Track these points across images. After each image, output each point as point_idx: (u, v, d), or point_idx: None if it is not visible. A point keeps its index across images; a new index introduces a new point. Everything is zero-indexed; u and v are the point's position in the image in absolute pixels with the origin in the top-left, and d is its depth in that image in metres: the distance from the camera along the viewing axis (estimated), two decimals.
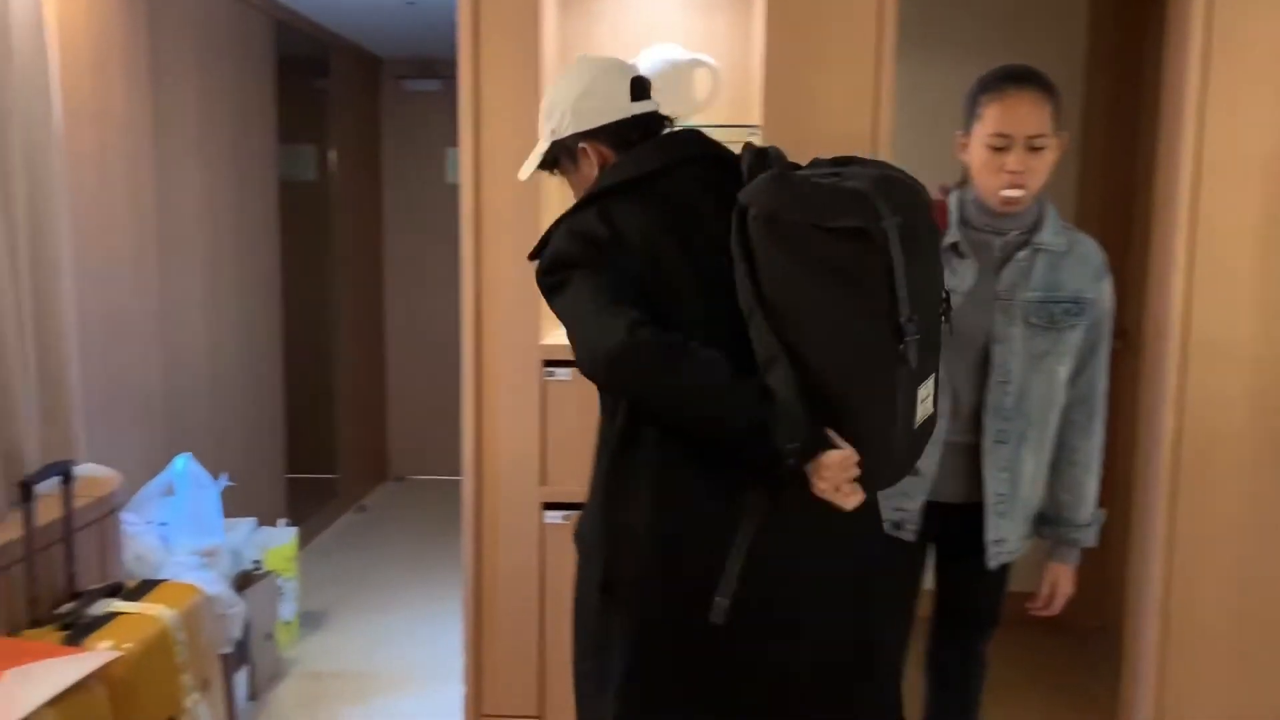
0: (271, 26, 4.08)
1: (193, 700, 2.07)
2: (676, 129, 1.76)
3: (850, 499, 1.50)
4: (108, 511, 2.29)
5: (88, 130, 2.76)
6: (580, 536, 1.73)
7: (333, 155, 4.85)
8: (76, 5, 2.69)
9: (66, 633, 1.91)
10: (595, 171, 1.72)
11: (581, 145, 1.72)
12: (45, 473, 2.02)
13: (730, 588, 1.50)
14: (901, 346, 1.44)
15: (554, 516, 2.73)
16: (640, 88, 1.75)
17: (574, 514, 2.69)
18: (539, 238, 1.68)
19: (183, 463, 2.89)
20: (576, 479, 2.70)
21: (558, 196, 2.83)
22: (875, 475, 1.53)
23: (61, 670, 1.70)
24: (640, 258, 1.56)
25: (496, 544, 2.75)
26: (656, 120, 1.75)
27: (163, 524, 2.78)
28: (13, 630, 1.93)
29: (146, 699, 1.91)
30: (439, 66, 5.19)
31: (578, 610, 1.73)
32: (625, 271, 1.56)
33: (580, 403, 2.67)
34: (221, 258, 3.67)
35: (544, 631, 2.76)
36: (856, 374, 1.48)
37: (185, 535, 2.79)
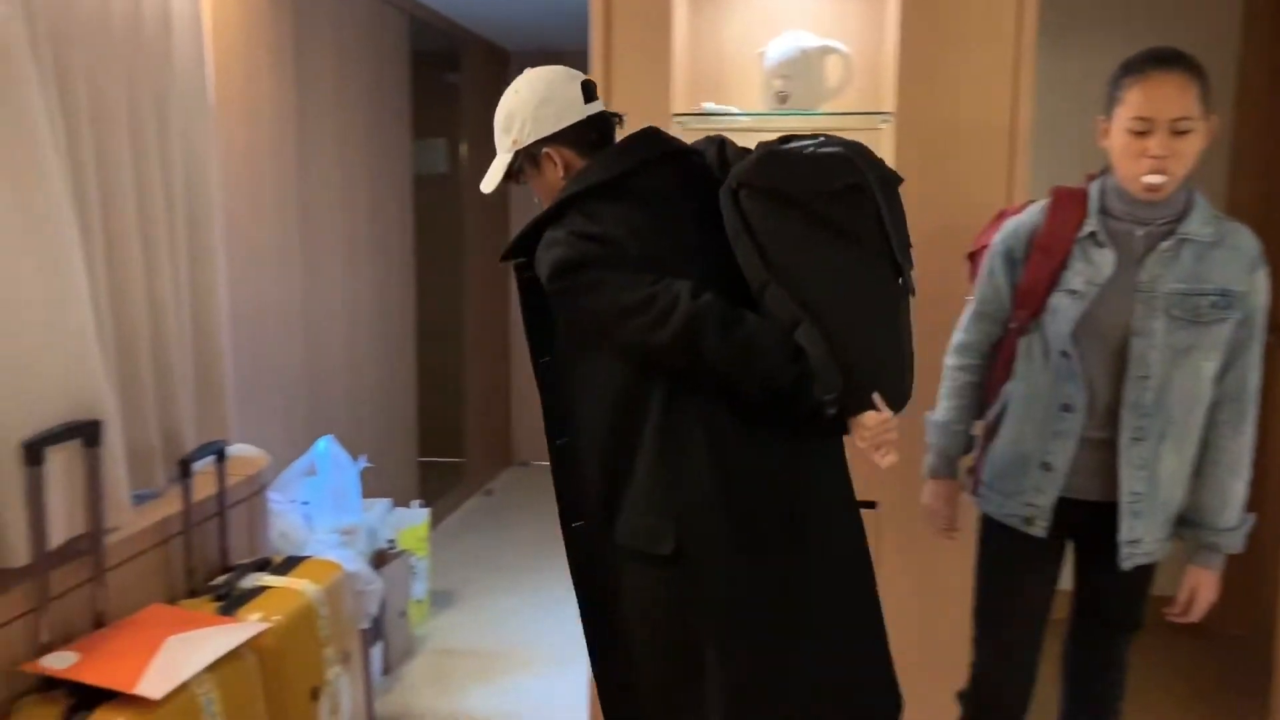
0: (406, 22, 4.20)
1: (334, 673, 2.16)
2: (638, 131, 1.80)
3: (887, 458, 1.63)
4: (257, 490, 2.41)
5: (238, 126, 2.90)
6: (630, 535, 1.68)
7: (463, 148, 4.97)
8: (230, 4, 2.82)
9: (220, 604, 2.01)
10: (559, 175, 1.80)
11: (545, 150, 1.79)
12: (202, 452, 2.14)
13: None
14: (901, 280, 1.64)
15: None
16: (589, 90, 1.84)
17: None
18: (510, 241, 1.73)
19: (324, 444, 3.02)
20: None
21: None
22: (893, 403, 1.64)
23: (218, 639, 1.80)
24: (640, 254, 1.63)
25: None
26: (609, 119, 1.84)
27: (305, 503, 2.91)
28: (172, 599, 2.05)
29: (293, 669, 2.00)
30: (566, 59, 5.23)
31: (645, 629, 1.71)
32: (639, 261, 1.63)
33: None
34: (358, 249, 3.81)
35: None
36: (870, 315, 1.63)
37: (326, 514, 2.91)
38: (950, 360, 2.12)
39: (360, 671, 2.38)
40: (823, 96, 2.71)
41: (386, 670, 3.14)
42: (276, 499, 2.76)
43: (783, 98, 2.67)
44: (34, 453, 1.68)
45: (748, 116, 2.84)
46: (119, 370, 2.02)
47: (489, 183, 1.88)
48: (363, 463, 3.14)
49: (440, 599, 3.70)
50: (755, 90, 2.84)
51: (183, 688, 1.66)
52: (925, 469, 2.17)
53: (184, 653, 1.73)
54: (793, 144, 1.67)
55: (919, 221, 2.54)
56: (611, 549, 1.71)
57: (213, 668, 1.74)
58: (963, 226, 2.56)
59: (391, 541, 3.26)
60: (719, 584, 1.66)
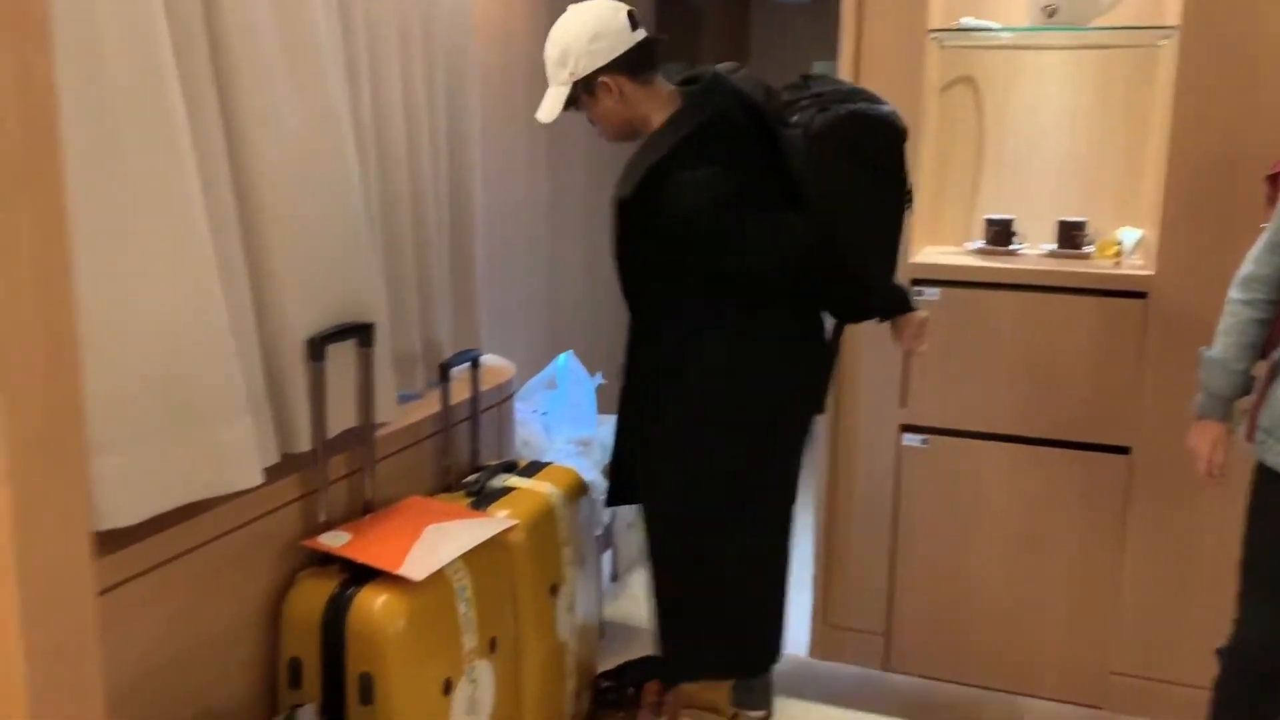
0: None
1: (572, 573, 2.27)
2: (709, 79, 2.06)
3: (922, 346, 2.21)
4: (505, 397, 2.54)
5: (495, 47, 3.00)
6: (699, 413, 2.10)
7: None
8: None
9: (472, 500, 2.15)
10: (616, 100, 2.04)
11: (602, 80, 2.02)
12: (458, 359, 2.27)
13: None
14: (908, 204, 2.12)
15: (912, 439, 2.69)
16: (634, 19, 2.05)
17: (933, 437, 2.66)
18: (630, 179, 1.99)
19: (564, 359, 3.14)
20: (938, 401, 2.64)
21: (929, 110, 2.73)
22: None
23: (471, 530, 1.93)
24: (737, 190, 1.95)
25: (854, 464, 2.76)
26: (654, 44, 2.07)
27: (544, 413, 3.04)
28: (429, 493, 2.21)
29: (535, 565, 2.12)
30: None
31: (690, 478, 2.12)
32: (737, 196, 1.95)
33: (949, 322, 2.59)
34: (601, 170, 3.88)
35: (895, 550, 2.75)
36: (889, 230, 2.11)
37: (564, 425, 3.04)
38: (1234, 293, 1.94)
39: (594, 575, 2.49)
40: (1096, 9, 2.51)
41: (616, 577, 3.27)
42: (520, 409, 2.91)
43: (1051, 11, 2.50)
44: (316, 349, 1.83)
45: (1009, 33, 2.69)
46: (387, 280, 2.17)
47: (548, 113, 2.07)
48: (599, 379, 3.24)
49: None
50: (1020, 3, 2.66)
51: (440, 572, 1.80)
52: (1195, 408, 2.01)
53: (441, 541, 1.87)
54: (799, 92, 2.12)
55: (1203, 147, 2.35)
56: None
57: (465, 557, 1.87)
58: (1257, 150, 2.34)
59: None
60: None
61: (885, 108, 2.07)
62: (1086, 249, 2.68)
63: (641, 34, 2.05)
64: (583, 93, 2.05)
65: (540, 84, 2.11)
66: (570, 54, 2.02)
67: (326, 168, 1.86)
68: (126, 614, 1.50)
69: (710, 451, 2.09)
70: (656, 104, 2.06)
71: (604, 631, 2.95)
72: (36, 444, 0.40)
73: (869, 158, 2.04)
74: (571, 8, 2.07)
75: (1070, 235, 2.69)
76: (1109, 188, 2.77)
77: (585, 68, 2.01)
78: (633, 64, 2.03)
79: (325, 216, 1.86)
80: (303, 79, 1.80)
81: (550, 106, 2.07)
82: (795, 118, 2.08)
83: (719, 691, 2.34)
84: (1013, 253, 2.72)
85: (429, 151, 2.29)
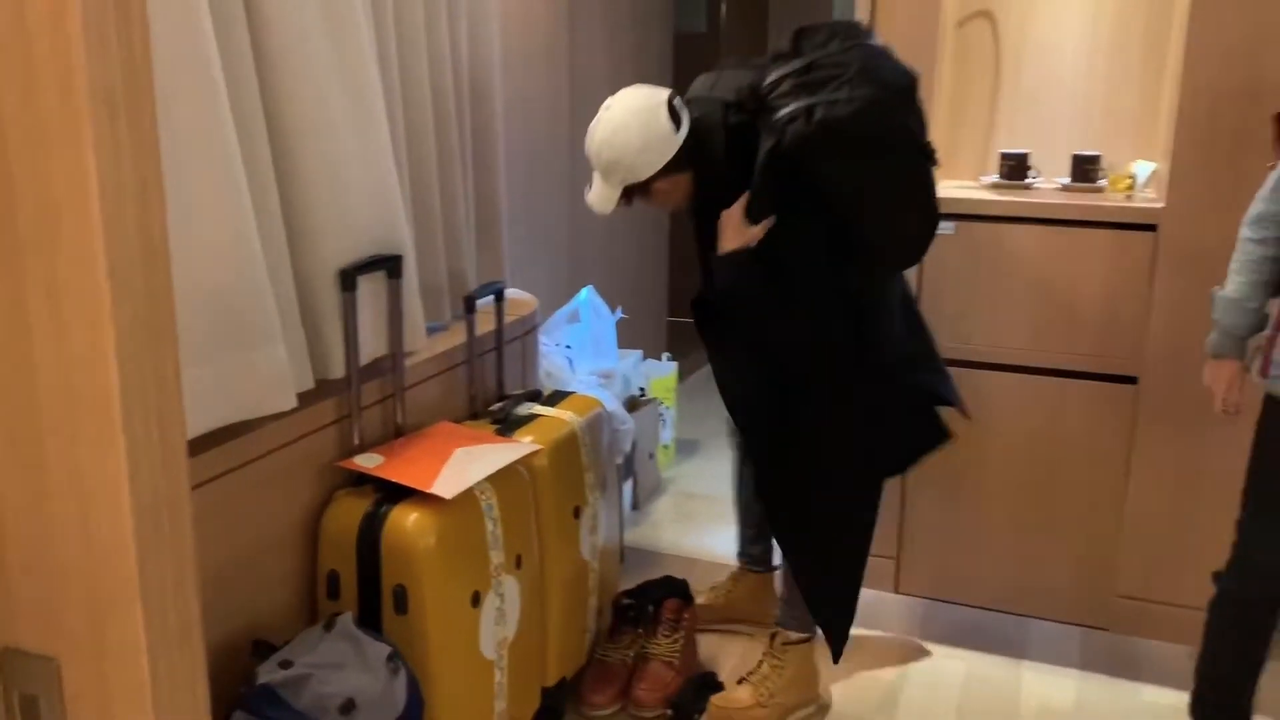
0: None
1: (594, 497, 2.37)
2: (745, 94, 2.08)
3: None
4: (528, 330, 2.62)
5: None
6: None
7: (723, 7, 4.93)
8: None
9: (498, 426, 2.24)
10: (672, 191, 2.12)
11: (655, 186, 2.10)
12: (482, 291, 2.34)
13: None
14: (928, 161, 2.10)
15: None
16: (675, 114, 2.07)
17: (948, 368, 2.72)
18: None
19: (585, 294, 3.22)
20: (951, 332, 2.70)
21: (946, 44, 2.75)
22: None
23: (497, 454, 2.02)
24: None
25: None
26: (695, 128, 2.08)
27: (568, 346, 3.13)
28: (456, 419, 2.30)
29: (558, 487, 2.21)
30: None
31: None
32: None
33: (960, 254, 2.64)
34: None
35: (906, 477, 2.83)
36: (908, 199, 2.12)
37: (586, 358, 3.13)
38: (1246, 232, 1.98)
39: (615, 500, 2.59)
40: None
41: (636, 505, 3.38)
42: (543, 341, 2.99)
43: None
44: (348, 280, 1.91)
45: None
46: (414, 215, 2.24)
47: (602, 205, 2.13)
48: (619, 314, 3.32)
49: (685, 446, 3.90)
50: None
51: (468, 491, 1.89)
52: (1208, 347, 2.07)
53: (469, 463, 1.96)
54: (816, 53, 2.02)
55: (1215, 78, 2.37)
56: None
57: (492, 478, 1.96)
58: (1272, 83, 2.35)
59: (643, 389, 3.46)
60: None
61: (866, 92, 1.96)
62: (1100, 182, 2.71)
63: (685, 130, 2.07)
64: (637, 192, 2.13)
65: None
66: (620, 165, 2.08)
67: (354, 107, 1.92)
68: None
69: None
70: None
71: (625, 556, 3.06)
72: (142, 326, 0.49)
73: (855, 151, 2.00)
74: (615, 107, 2.09)
75: (1084, 169, 2.72)
76: (1126, 121, 2.79)
77: (637, 177, 2.09)
78: (680, 162, 2.09)
79: (354, 154, 1.93)
80: (332, 20, 1.86)
81: (604, 199, 2.13)
82: (779, 112, 2.01)
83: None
84: (1027, 186, 2.76)
85: (452, 91, 2.34)
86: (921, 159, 2.09)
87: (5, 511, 0.54)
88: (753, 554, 2.73)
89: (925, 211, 2.14)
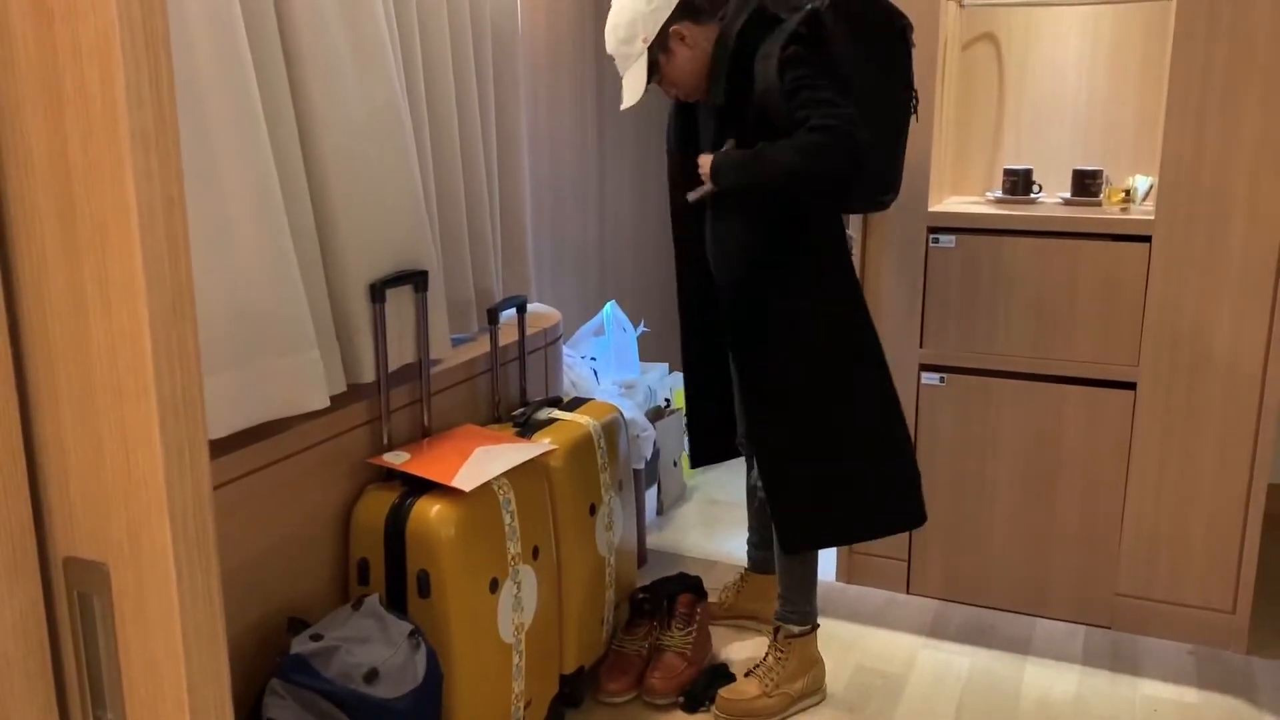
0: None
1: (609, 496, 2.53)
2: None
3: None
4: (551, 341, 2.79)
5: (541, 22, 3.23)
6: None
7: None
8: None
9: (518, 428, 2.41)
10: (689, 50, 2.20)
11: (672, 30, 2.18)
12: (506, 304, 2.52)
13: None
14: (912, 103, 2.27)
15: (930, 378, 2.88)
16: None
17: (950, 376, 2.84)
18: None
19: (609, 309, 3.38)
20: (955, 342, 2.82)
21: (952, 66, 2.88)
22: (896, 189, 2.32)
23: (516, 452, 2.19)
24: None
25: None
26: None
27: (593, 359, 3.30)
28: (480, 422, 2.47)
29: (574, 486, 2.37)
30: None
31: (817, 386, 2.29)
32: None
33: (962, 266, 2.76)
34: (650, 125, 4.10)
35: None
36: (893, 120, 2.24)
37: (610, 370, 3.29)
38: None
39: (632, 500, 2.74)
40: None
41: (660, 511, 3.53)
42: (569, 354, 3.16)
43: None
44: (378, 292, 2.10)
45: None
46: (441, 233, 2.43)
47: (632, 94, 2.23)
48: (642, 328, 3.48)
49: None
50: None
51: (487, 485, 2.06)
52: None
53: (489, 460, 2.13)
54: None
55: (1199, 95, 2.46)
56: None
57: (510, 474, 2.13)
58: (1254, 98, 2.46)
59: (668, 400, 3.61)
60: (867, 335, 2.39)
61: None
62: (1101, 196, 2.82)
63: None
64: (659, 53, 2.23)
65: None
66: (636, 23, 2.21)
67: (384, 129, 2.11)
68: (218, 516, 1.79)
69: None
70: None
71: (648, 558, 3.21)
72: (169, 308, 0.66)
73: (875, 46, 2.14)
74: None
75: (1084, 183, 2.84)
76: (1126, 137, 2.90)
77: (654, 26, 2.20)
78: (691, 8, 2.21)
79: (384, 174, 2.12)
80: (365, 70, 2.05)
81: (633, 85, 2.24)
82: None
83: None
84: (1031, 201, 2.88)
85: (478, 124, 2.53)
86: (907, 92, 2.26)
87: (69, 452, 0.72)
88: (757, 559, 2.86)
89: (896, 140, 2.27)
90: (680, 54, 2.22)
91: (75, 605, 0.73)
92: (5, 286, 0.70)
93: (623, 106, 2.29)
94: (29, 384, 0.72)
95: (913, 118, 2.32)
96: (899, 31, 2.21)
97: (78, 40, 0.64)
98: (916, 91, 2.31)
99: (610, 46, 2.27)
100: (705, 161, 2.23)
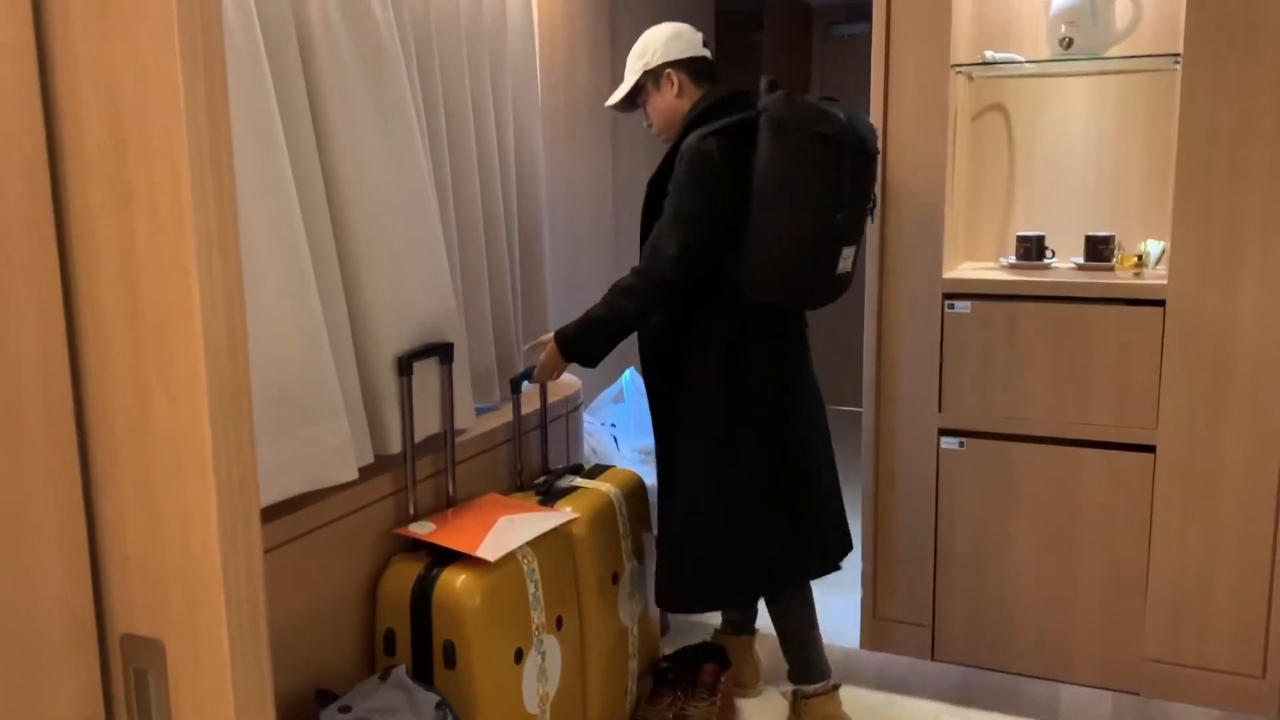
0: None
1: (631, 563, 2.54)
2: (733, 91, 2.36)
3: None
4: (571, 409, 2.83)
5: (559, 93, 3.32)
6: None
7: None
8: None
9: (541, 497, 2.43)
10: (673, 97, 2.39)
11: (668, 70, 2.39)
12: (527, 375, 2.56)
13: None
14: (838, 217, 2.18)
15: (950, 442, 2.89)
16: (704, 42, 2.43)
17: (969, 440, 2.85)
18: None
19: (628, 375, 3.42)
20: (972, 406, 2.83)
21: (963, 136, 2.94)
22: (809, 299, 2.34)
23: (539, 521, 2.21)
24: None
25: (896, 468, 2.97)
26: (713, 63, 2.44)
27: (612, 425, 3.32)
28: (503, 491, 2.50)
29: (597, 554, 2.39)
30: (869, 8, 5.33)
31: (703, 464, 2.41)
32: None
33: (978, 332, 2.79)
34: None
35: (938, 547, 2.94)
36: (810, 233, 2.20)
37: (630, 436, 3.31)
38: None
39: (652, 568, 2.74)
40: (1110, 39, 2.71)
41: None
42: (590, 420, 3.19)
43: (1066, 43, 2.71)
44: (405, 365, 2.14)
45: (1032, 64, 2.89)
46: (465, 306, 2.48)
47: (614, 97, 2.47)
48: None
49: None
50: (1039, 37, 2.87)
51: (511, 555, 2.08)
52: None
53: (512, 529, 2.15)
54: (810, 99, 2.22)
55: (1208, 161, 2.53)
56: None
57: (533, 543, 2.15)
58: (1261, 163, 2.50)
59: None
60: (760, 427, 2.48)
61: (833, 109, 2.19)
62: (1113, 261, 2.85)
63: (708, 52, 2.44)
64: (649, 81, 2.43)
65: (600, 109, 2.40)
66: (650, 48, 2.42)
67: (410, 202, 2.17)
68: None
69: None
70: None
71: (669, 626, 3.20)
72: (228, 397, 0.70)
73: (803, 151, 2.16)
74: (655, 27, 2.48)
75: (1097, 249, 2.88)
76: (1135, 202, 2.95)
77: (659, 59, 2.40)
78: (696, 68, 2.41)
79: (410, 246, 2.17)
80: (395, 150, 2.12)
81: (620, 92, 2.47)
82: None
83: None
84: (1045, 266, 2.91)
85: (499, 180, 2.60)
86: (834, 205, 2.20)
87: (127, 532, 0.75)
88: (733, 619, 2.89)
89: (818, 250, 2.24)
90: (665, 93, 2.42)
91: (131, 681, 0.75)
92: (72, 374, 0.74)
93: (606, 104, 2.55)
94: (91, 466, 0.75)
95: (869, 220, 2.38)
96: (828, 138, 2.16)
97: (148, 141, 0.69)
98: (876, 197, 2.41)
99: (630, 59, 2.48)
100: (551, 346, 2.43)
